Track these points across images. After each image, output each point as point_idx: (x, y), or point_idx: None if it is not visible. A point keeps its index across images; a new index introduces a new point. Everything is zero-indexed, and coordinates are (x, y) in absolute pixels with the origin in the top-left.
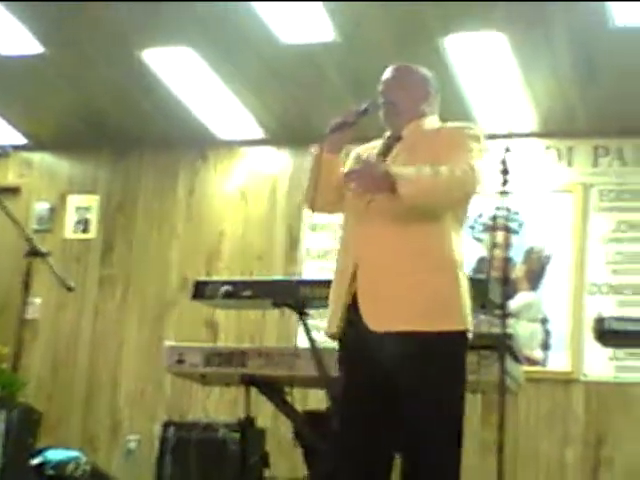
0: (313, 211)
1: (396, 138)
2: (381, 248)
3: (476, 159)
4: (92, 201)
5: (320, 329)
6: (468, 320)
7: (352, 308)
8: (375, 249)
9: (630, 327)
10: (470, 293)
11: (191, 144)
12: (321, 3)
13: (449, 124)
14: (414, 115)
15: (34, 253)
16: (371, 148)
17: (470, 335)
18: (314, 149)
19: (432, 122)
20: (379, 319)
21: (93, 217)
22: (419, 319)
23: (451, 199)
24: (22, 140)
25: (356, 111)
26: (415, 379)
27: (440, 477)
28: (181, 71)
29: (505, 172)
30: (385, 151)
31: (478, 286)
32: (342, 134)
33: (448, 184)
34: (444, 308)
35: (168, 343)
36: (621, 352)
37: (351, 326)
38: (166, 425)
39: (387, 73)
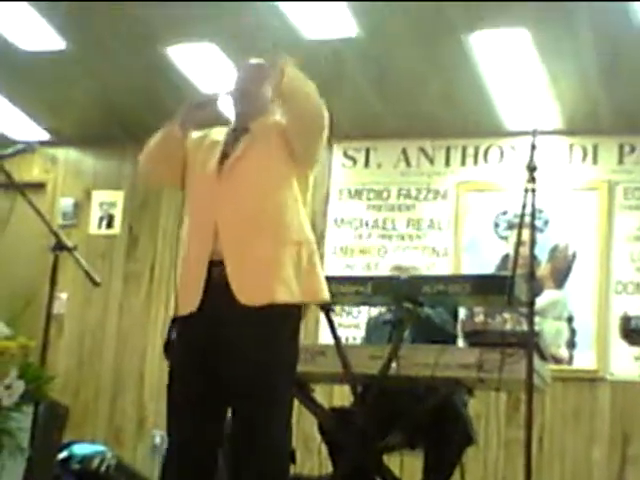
0: (142, 175)
1: (243, 130)
2: (241, 216)
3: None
4: (117, 197)
5: (343, 325)
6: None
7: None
8: (236, 216)
9: None
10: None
11: None
12: None
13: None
14: (264, 111)
15: (61, 247)
16: (216, 133)
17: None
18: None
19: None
20: (249, 291)
21: (118, 213)
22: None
23: (312, 115)
24: (46, 136)
25: (218, 94)
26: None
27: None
28: (205, 67)
29: (532, 169)
30: (233, 142)
31: (503, 283)
32: (202, 112)
33: (318, 102)
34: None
35: None
36: None
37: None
38: None
39: (248, 67)
